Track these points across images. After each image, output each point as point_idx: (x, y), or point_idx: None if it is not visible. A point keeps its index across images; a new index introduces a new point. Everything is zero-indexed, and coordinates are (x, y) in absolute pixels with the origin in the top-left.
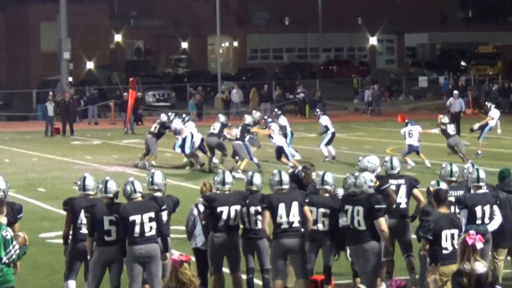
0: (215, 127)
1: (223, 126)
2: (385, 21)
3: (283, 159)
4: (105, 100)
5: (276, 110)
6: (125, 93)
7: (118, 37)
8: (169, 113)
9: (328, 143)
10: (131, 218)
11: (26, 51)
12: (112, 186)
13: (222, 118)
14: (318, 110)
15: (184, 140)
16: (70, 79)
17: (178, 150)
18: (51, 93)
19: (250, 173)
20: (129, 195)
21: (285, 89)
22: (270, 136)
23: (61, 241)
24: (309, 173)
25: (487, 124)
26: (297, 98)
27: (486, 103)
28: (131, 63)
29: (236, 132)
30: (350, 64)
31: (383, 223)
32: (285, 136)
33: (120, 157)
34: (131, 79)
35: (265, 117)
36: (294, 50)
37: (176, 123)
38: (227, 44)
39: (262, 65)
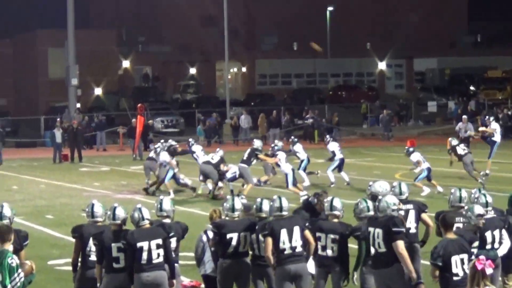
0: (214, 158)
1: (221, 160)
2: (394, 46)
3: (291, 188)
4: (113, 126)
5: (292, 137)
6: (134, 119)
7: (126, 63)
8: (155, 145)
9: (338, 170)
10: (139, 244)
11: (33, 78)
12: (120, 213)
13: (221, 152)
14: (328, 136)
15: (168, 171)
16: (78, 105)
17: (181, 180)
18: (59, 119)
19: (259, 199)
20: (137, 222)
21: (293, 114)
22: (277, 164)
23: (70, 268)
24: (321, 200)
25: (494, 142)
26: (305, 123)
27: (487, 116)
28: (139, 89)
29: (231, 166)
30: (359, 89)
31: (400, 245)
32: (301, 162)
33: (128, 184)
34: (139, 105)
35: (272, 144)
36: (302, 75)
37: (164, 156)
38: (235, 69)
39: (270, 91)
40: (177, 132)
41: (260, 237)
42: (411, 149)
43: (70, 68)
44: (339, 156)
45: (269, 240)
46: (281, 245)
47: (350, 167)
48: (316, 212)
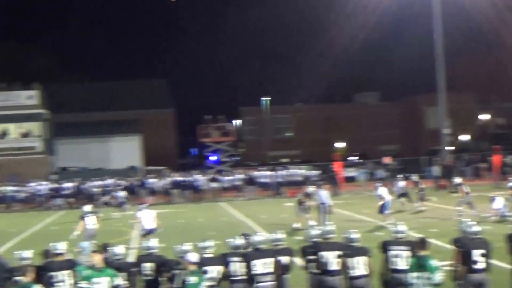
0: None
1: None
2: None
3: None
4: (476, 163)
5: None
6: (490, 158)
7: (485, 116)
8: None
9: None
10: None
11: (416, 129)
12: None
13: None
14: None
15: (385, 204)
16: (450, 148)
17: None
18: (437, 159)
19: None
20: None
21: None
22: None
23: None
24: None
25: None
26: None
27: None
28: (494, 134)
29: None
30: None
31: None
32: None
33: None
34: (495, 146)
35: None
36: None
37: (381, 191)
38: None
39: None
40: None
41: None
42: None
43: (442, 122)
44: None
45: None
46: None
47: None
48: None
